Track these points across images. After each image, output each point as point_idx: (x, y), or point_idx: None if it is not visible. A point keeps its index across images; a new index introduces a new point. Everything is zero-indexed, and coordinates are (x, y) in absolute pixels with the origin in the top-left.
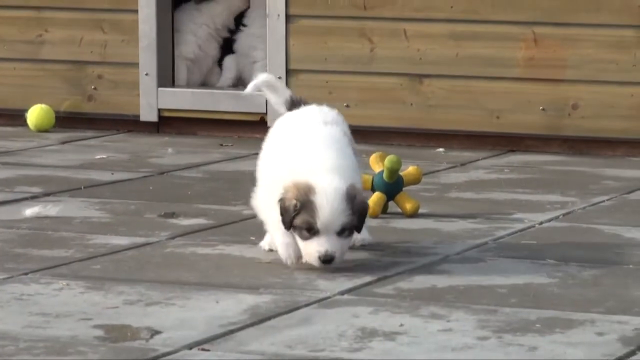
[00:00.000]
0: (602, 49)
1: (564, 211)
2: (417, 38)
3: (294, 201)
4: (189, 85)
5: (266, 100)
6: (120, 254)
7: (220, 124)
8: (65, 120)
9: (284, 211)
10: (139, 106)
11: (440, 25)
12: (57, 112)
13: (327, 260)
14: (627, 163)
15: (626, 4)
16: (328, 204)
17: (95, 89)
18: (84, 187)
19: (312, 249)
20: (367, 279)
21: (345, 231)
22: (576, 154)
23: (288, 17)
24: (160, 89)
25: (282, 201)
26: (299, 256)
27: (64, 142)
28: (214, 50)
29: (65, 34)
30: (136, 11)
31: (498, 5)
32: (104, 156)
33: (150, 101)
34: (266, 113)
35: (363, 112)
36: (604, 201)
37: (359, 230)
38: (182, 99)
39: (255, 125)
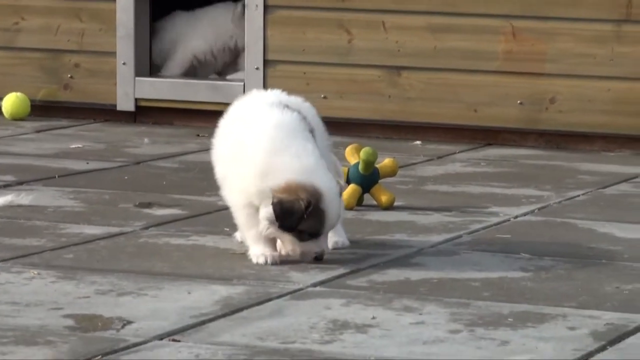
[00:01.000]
0: (580, 43)
1: (539, 205)
2: (395, 30)
3: (305, 205)
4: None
5: (244, 91)
6: (94, 244)
7: (198, 114)
8: (41, 109)
9: (283, 214)
10: (115, 95)
11: (419, 17)
12: (32, 101)
13: (321, 257)
14: (603, 158)
15: None
16: (335, 211)
17: (71, 77)
18: (58, 176)
19: (309, 249)
20: (340, 271)
21: None
22: (553, 148)
23: (266, 8)
24: (137, 78)
25: (281, 203)
26: (275, 262)
27: (39, 131)
28: (223, 59)
29: (42, 22)
30: (114, 0)
31: None
32: (79, 145)
33: (128, 90)
34: None
35: (340, 103)
36: (579, 195)
37: None
38: (160, 88)
39: None
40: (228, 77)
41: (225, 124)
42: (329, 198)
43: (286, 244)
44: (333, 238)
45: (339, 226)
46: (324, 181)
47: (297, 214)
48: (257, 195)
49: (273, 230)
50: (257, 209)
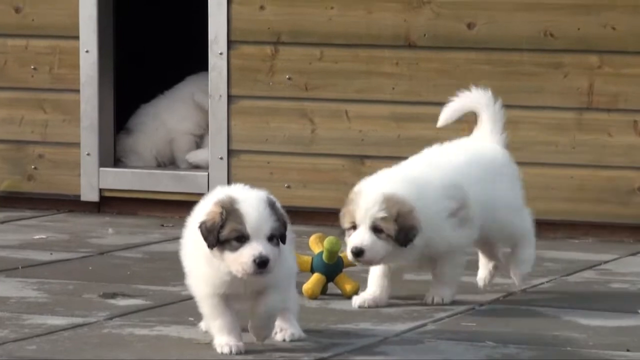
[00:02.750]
0: (542, 132)
1: (504, 293)
2: (358, 119)
3: (219, 210)
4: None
5: (208, 181)
6: (57, 334)
7: (161, 204)
8: (5, 200)
9: (207, 230)
10: (79, 186)
11: (382, 106)
12: None
13: (262, 262)
14: (567, 245)
15: (566, 87)
16: (254, 209)
17: (35, 168)
18: (22, 267)
19: (245, 255)
20: (305, 359)
21: (274, 238)
22: None
23: (230, 98)
24: (101, 168)
25: (203, 223)
26: (240, 351)
27: (2, 222)
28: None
29: (5, 113)
30: (78, 91)
31: (439, 87)
32: (43, 236)
33: (92, 181)
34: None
35: (304, 192)
36: (543, 283)
37: (284, 241)
38: (123, 179)
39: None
40: (190, 158)
41: (192, 222)
42: (242, 199)
43: (230, 265)
44: (288, 330)
45: (292, 318)
46: (243, 191)
47: (215, 224)
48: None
49: (220, 262)
50: (221, 299)
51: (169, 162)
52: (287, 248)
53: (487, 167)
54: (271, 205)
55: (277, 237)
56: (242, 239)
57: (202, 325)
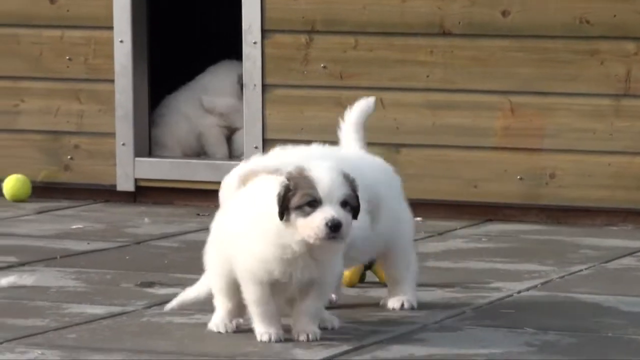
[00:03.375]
0: (579, 118)
1: (542, 280)
2: (393, 107)
3: (286, 182)
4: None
5: None
6: (96, 323)
7: (197, 194)
8: (42, 190)
9: (278, 200)
10: (115, 176)
11: (417, 94)
12: (33, 182)
13: (334, 225)
14: (605, 232)
15: (602, 73)
16: (327, 174)
17: (71, 158)
18: (60, 257)
19: (317, 219)
20: (344, 347)
21: (347, 205)
22: (554, 223)
23: (264, 87)
24: (137, 158)
25: (277, 193)
26: (279, 339)
27: (39, 212)
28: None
29: (42, 104)
30: (112, 81)
31: (474, 75)
32: (80, 226)
33: (127, 171)
34: None
35: None
36: (582, 270)
37: (356, 215)
38: (159, 168)
39: None
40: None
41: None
42: (312, 166)
43: (303, 231)
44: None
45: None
46: (310, 161)
47: (283, 190)
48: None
49: (292, 232)
50: (267, 287)
51: (196, 154)
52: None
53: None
54: (345, 176)
55: (350, 205)
56: (314, 203)
57: (211, 324)
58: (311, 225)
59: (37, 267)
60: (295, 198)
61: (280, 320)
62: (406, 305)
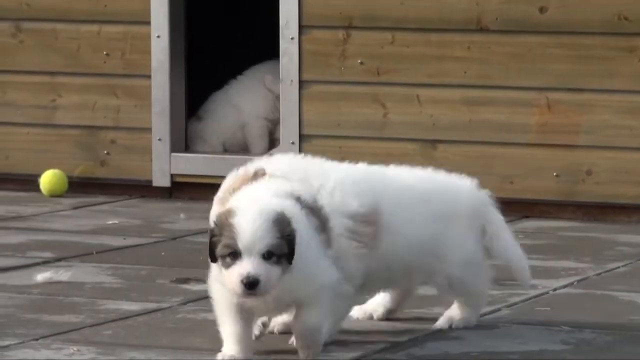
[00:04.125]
0: (615, 115)
1: (578, 277)
2: (430, 103)
3: (214, 226)
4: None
5: None
6: (132, 320)
7: None
8: (78, 185)
9: (208, 245)
10: (151, 171)
11: (454, 90)
12: (69, 177)
13: (250, 284)
14: None
15: (639, 70)
16: (249, 222)
17: (108, 154)
18: (96, 252)
19: (234, 274)
20: (380, 345)
21: (273, 256)
22: (590, 220)
23: (301, 83)
24: (173, 154)
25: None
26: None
27: (76, 207)
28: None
29: (79, 99)
30: (149, 76)
31: (511, 71)
32: (116, 221)
33: (163, 166)
34: None
35: None
36: (619, 267)
37: (290, 260)
38: (195, 164)
39: None
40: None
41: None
42: (239, 211)
43: (226, 283)
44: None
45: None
46: (244, 201)
47: (209, 235)
48: None
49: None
50: (229, 308)
51: (238, 149)
52: (317, 261)
53: None
54: (278, 220)
55: (277, 256)
56: (234, 255)
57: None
58: (229, 279)
59: (73, 262)
60: (218, 247)
61: (250, 339)
62: (454, 325)
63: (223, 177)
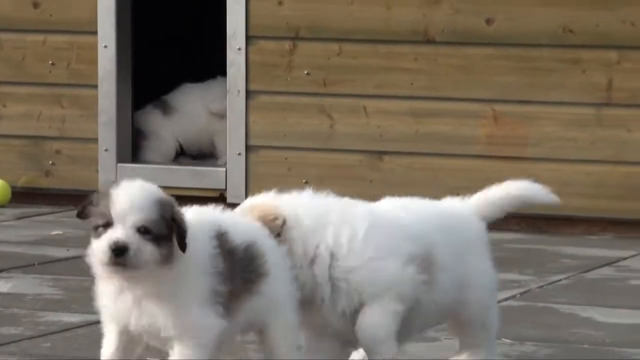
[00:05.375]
0: (561, 127)
1: (521, 290)
2: (377, 114)
3: (91, 197)
4: None
5: (225, 176)
6: (72, 332)
7: (180, 200)
8: (22, 196)
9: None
10: (97, 182)
11: (401, 102)
12: (13, 187)
13: (117, 249)
14: (585, 241)
15: (585, 83)
16: (125, 194)
17: (53, 164)
18: (38, 264)
19: (102, 241)
20: None
21: (149, 234)
22: (535, 231)
23: (248, 93)
24: (119, 164)
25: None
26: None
27: (19, 218)
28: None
29: (24, 109)
30: (95, 86)
31: (458, 83)
32: (59, 232)
33: (109, 177)
34: (225, 189)
35: (322, 188)
36: (561, 280)
37: (182, 248)
38: (142, 174)
39: (215, 202)
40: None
41: None
42: (122, 184)
43: (92, 256)
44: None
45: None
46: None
47: (81, 207)
48: None
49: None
50: (112, 333)
51: (195, 152)
52: (283, 276)
53: None
54: (160, 201)
55: (155, 235)
56: (107, 225)
57: None
58: (97, 249)
59: (14, 274)
60: (92, 217)
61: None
62: None
63: (170, 188)
